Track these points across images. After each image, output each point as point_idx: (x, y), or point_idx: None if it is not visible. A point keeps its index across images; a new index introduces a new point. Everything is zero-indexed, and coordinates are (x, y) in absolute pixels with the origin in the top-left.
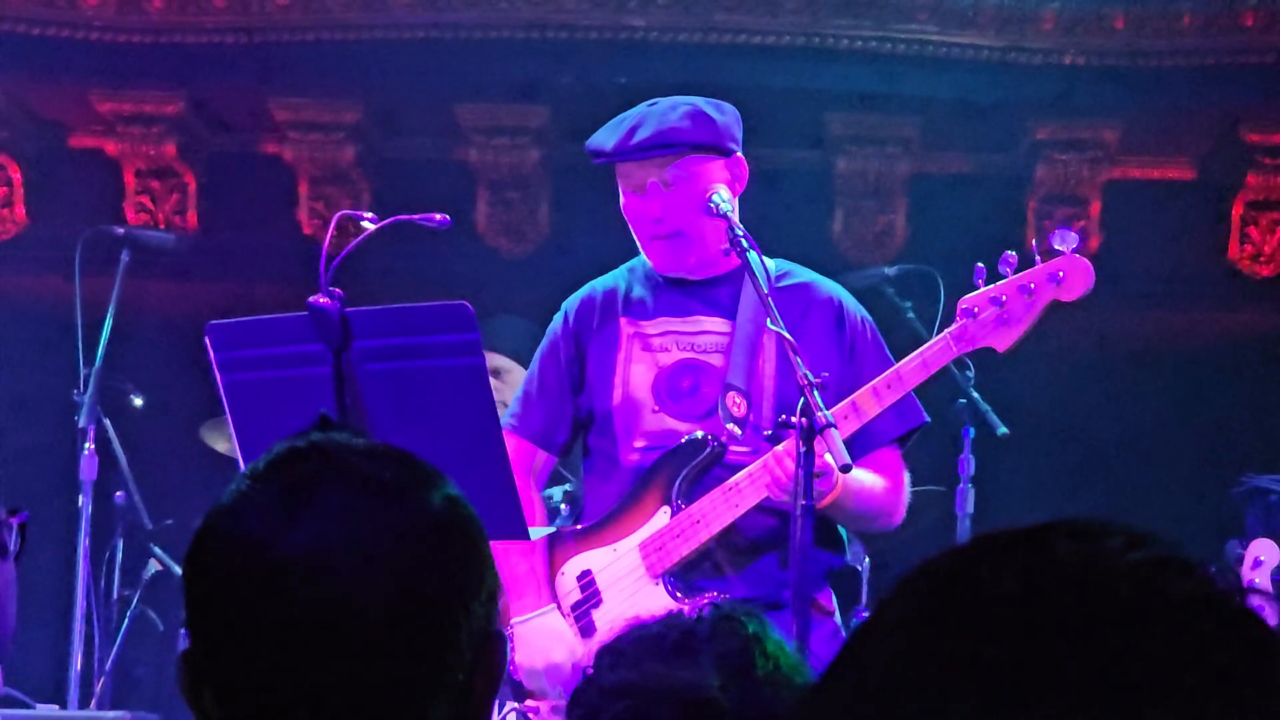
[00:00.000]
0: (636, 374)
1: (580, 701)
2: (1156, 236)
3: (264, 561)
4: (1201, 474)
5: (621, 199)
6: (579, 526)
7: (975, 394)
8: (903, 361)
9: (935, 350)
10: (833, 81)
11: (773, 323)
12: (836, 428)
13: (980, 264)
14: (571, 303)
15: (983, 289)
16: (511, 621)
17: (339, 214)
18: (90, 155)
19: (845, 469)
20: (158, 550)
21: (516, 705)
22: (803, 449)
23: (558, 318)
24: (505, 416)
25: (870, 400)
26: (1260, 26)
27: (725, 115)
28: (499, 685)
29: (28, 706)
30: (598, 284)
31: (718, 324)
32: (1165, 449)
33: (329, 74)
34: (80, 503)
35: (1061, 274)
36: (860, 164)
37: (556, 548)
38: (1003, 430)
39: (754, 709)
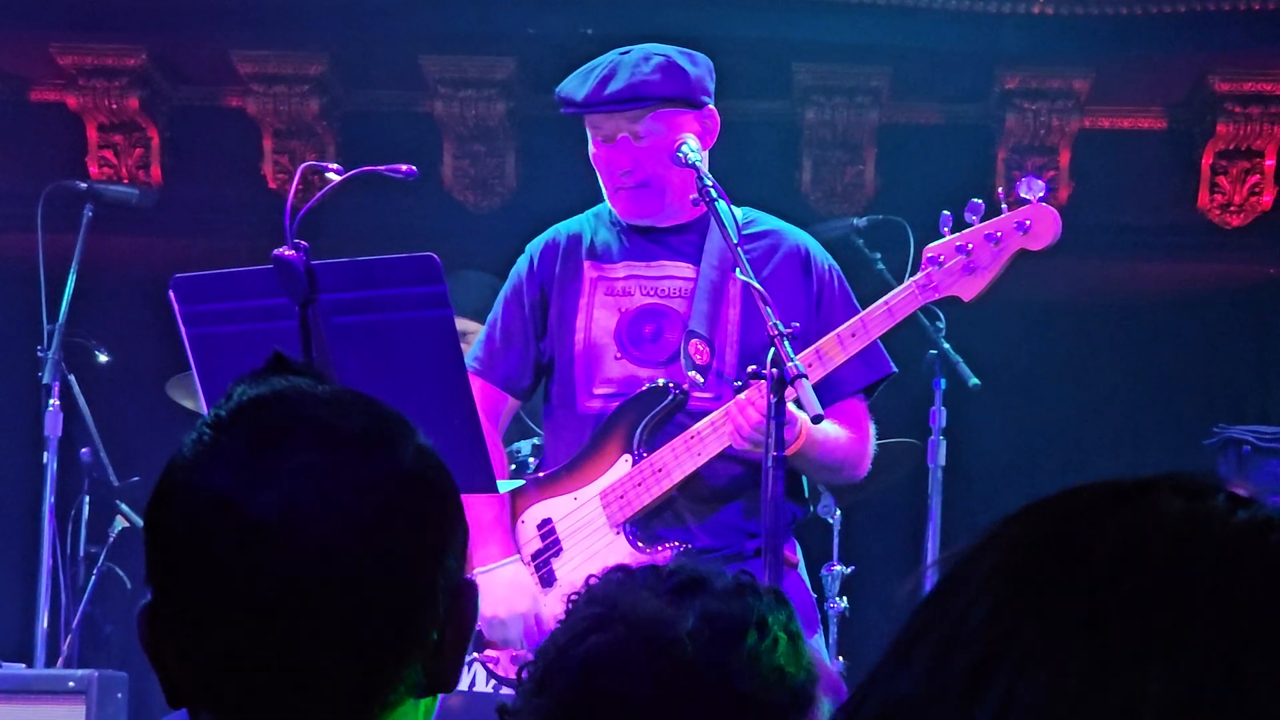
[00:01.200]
0: (599, 319)
1: (570, 602)
2: (1127, 186)
3: (233, 520)
4: (1173, 424)
5: (590, 147)
6: (540, 475)
7: (946, 345)
8: (868, 309)
9: (901, 298)
10: (801, 31)
11: (742, 272)
12: (807, 378)
13: (946, 212)
14: (535, 246)
15: (949, 237)
16: (474, 571)
17: (304, 165)
18: (52, 109)
19: (817, 419)
20: (124, 507)
21: (476, 655)
22: (773, 399)
23: (522, 260)
24: (468, 359)
25: (835, 348)
26: None
27: (698, 67)
28: (470, 635)
29: None
30: (561, 228)
31: (682, 269)
32: (1137, 399)
33: (292, 26)
34: (45, 460)
35: (1029, 222)
36: (829, 114)
37: (517, 495)
38: (974, 381)
39: (717, 672)
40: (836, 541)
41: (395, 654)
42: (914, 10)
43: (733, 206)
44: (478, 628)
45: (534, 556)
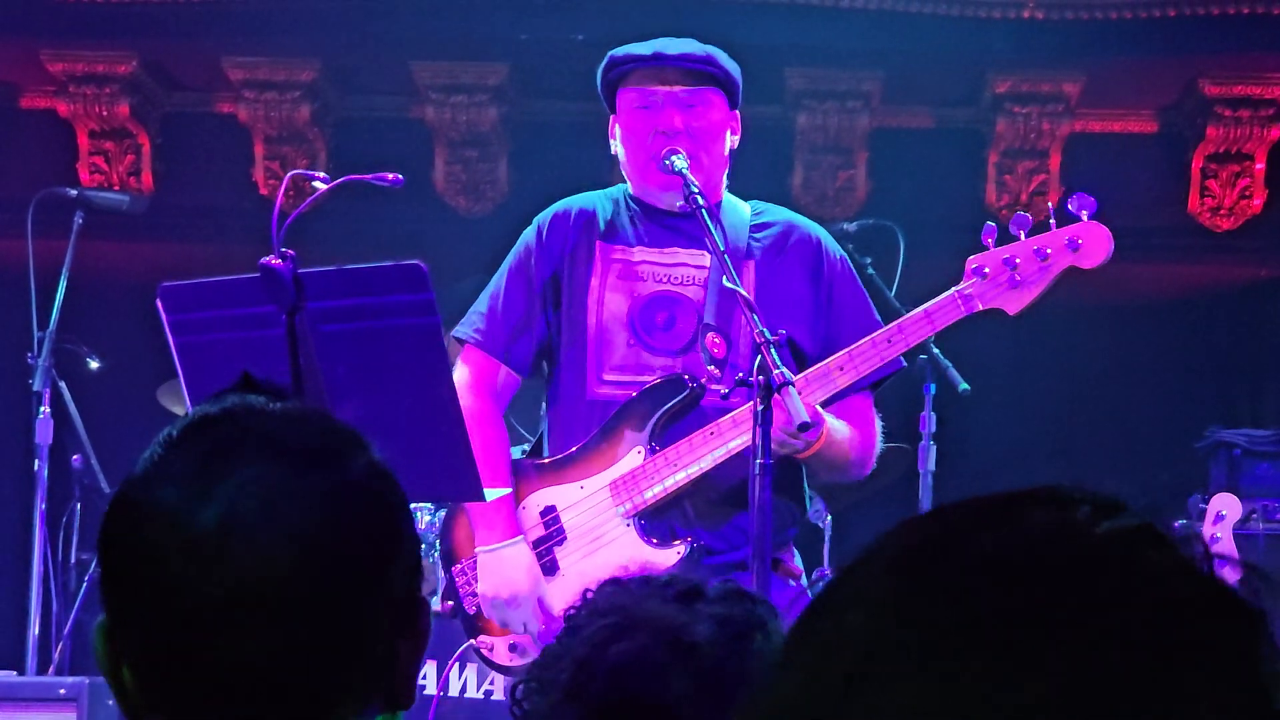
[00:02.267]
0: (612, 302)
1: (571, 620)
2: (1117, 190)
3: (178, 534)
4: (1164, 428)
5: (624, 122)
6: (543, 460)
7: (936, 350)
8: (907, 316)
9: (941, 306)
10: (793, 36)
11: (729, 280)
12: (794, 385)
13: (991, 223)
14: (544, 217)
15: (993, 249)
16: (476, 550)
17: (291, 174)
18: (42, 116)
19: (804, 427)
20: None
21: (470, 641)
22: (760, 407)
23: (529, 231)
24: (466, 330)
25: (869, 353)
26: None
27: (738, 73)
28: (424, 650)
29: None
30: (573, 201)
31: (697, 257)
32: (1127, 403)
33: (283, 31)
34: (36, 467)
35: (1080, 240)
36: (820, 119)
37: (518, 479)
38: (964, 386)
39: (738, 673)
40: (827, 547)
41: (340, 663)
42: (905, 15)
43: (741, 200)
44: (472, 609)
45: (536, 544)
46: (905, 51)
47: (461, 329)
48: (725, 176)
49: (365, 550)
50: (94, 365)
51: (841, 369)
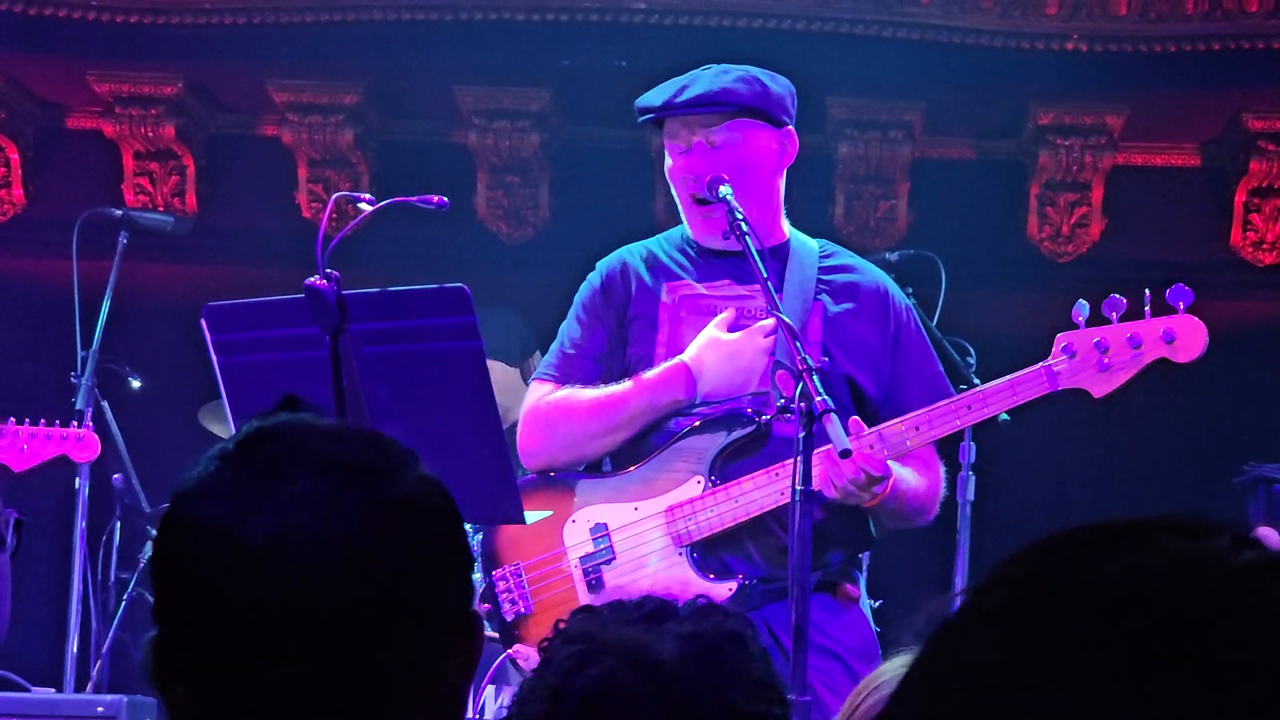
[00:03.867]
0: (683, 336)
1: (544, 650)
2: (1159, 223)
3: (228, 547)
4: (1204, 462)
5: (668, 162)
6: (598, 475)
7: (977, 381)
8: (990, 384)
9: (1027, 379)
10: (835, 66)
11: (773, 310)
12: (836, 412)
13: (1084, 300)
14: (605, 264)
15: (1083, 329)
16: (689, 365)
17: (336, 195)
18: (88, 136)
19: (844, 454)
20: (155, 533)
21: (507, 651)
22: (802, 433)
23: (592, 278)
24: (543, 368)
25: (947, 417)
26: (1264, 12)
27: (779, 86)
28: (474, 669)
29: (24, 690)
30: (632, 249)
31: (759, 293)
32: (1168, 436)
33: (328, 55)
34: (77, 485)
35: (1176, 333)
36: (862, 149)
37: (571, 492)
38: (1004, 417)
39: (709, 689)
40: (864, 575)
41: (390, 678)
42: (947, 45)
43: (807, 237)
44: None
45: (583, 559)
46: (947, 82)
47: (540, 370)
48: (783, 208)
49: (415, 565)
50: (136, 385)
51: (918, 429)
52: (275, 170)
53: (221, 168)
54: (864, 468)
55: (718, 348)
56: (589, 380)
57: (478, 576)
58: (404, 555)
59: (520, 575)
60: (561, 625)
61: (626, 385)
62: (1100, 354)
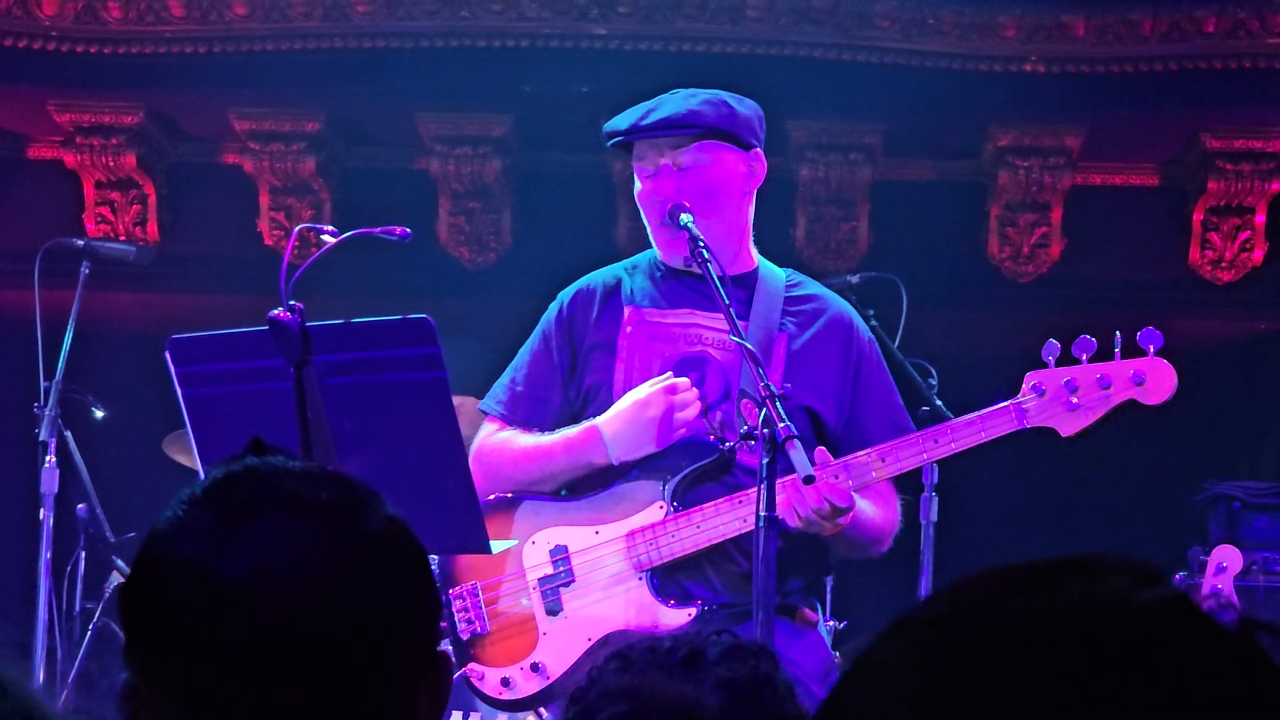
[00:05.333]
0: (640, 363)
1: (579, 700)
2: (1119, 242)
3: (202, 586)
4: (1165, 479)
5: (636, 185)
6: (559, 498)
7: (939, 402)
8: (959, 419)
9: (994, 416)
10: (795, 89)
11: (735, 335)
12: (799, 439)
13: (1054, 341)
14: (567, 294)
15: (1053, 368)
16: (603, 432)
17: (300, 227)
18: (49, 166)
19: (808, 480)
20: (120, 563)
21: (461, 670)
22: (765, 459)
23: (552, 308)
24: (490, 403)
25: (913, 451)
26: (1221, 33)
27: (746, 109)
28: (445, 704)
29: None
30: (596, 276)
31: (720, 319)
32: (1129, 455)
33: (289, 83)
34: (41, 516)
35: (1145, 376)
36: (823, 171)
37: (531, 515)
38: None
39: None
40: (829, 597)
41: (362, 714)
42: (906, 68)
43: (775, 266)
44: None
45: (542, 581)
46: (907, 104)
47: (486, 402)
48: (750, 233)
49: (387, 600)
50: (99, 415)
51: (883, 461)
52: (237, 198)
53: (183, 196)
54: (829, 498)
55: (628, 411)
56: (531, 418)
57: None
58: (376, 590)
59: (477, 595)
60: (595, 672)
61: (554, 439)
62: (1069, 394)
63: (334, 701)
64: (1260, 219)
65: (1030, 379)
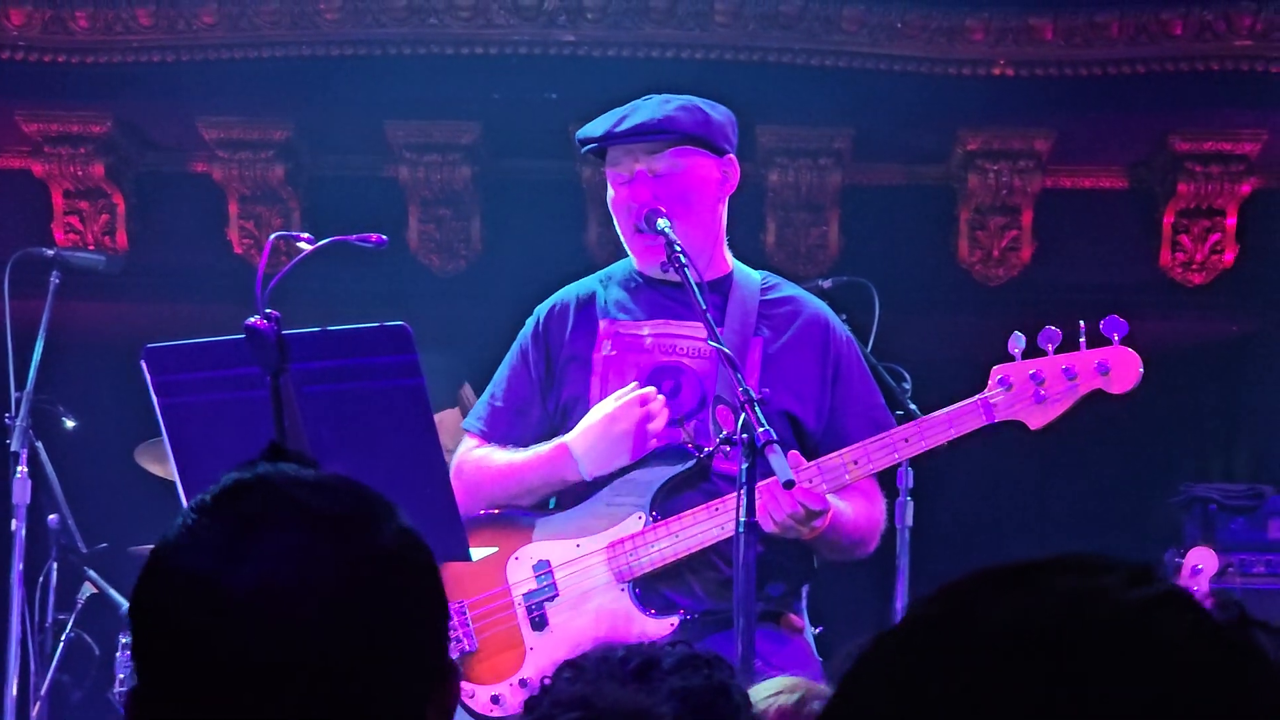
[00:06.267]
0: (617, 374)
1: (533, 709)
2: (1089, 245)
3: (210, 598)
4: (1139, 482)
5: (610, 193)
6: (541, 513)
7: (913, 406)
8: (927, 417)
9: (963, 412)
10: (764, 94)
11: (713, 340)
12: (779, 443)
13: (1019, 333)
14: (542, 309)
15: (1021, 361)
16: (573, 450)
17: (275, 235)
18: (17, 176)
19: (788, 485)
20: (92, 574)
21: None
22: (744, 464)
23: (529, 322)
24: (471, 419)
25: (885, 450)
26: (1189, 35)
27: (720, 114)
28: (452, 716)
29: None
30: (571, 289)
31: (700, 329)
32: (1103, 458)
33: (258, 92)
34: (13, 526)
35: (1110, 365)
36: (792, 176)
37: (513, 530)
38: None
39: None
40: (805, 603)
41: None
42: (875, 72)
43: (750, 270)
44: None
45: (527, 596)
46: (876, 109)
47: (468, 420)
48: (725, 238)
49: (396, 615)
50: (70, 425)
51: (856, 463)
52: (206, 207)
53: (152, 205)
54: (803, 502)
55: (596, 426)
56: (510, 433)
57: None
58: (385, 606)
59: (464, 613)
60: (547, 683)
61: (527, 456)
62: (1036, 386)
63: (341, 716)
64: (1231, 221)
65: (996, 373)
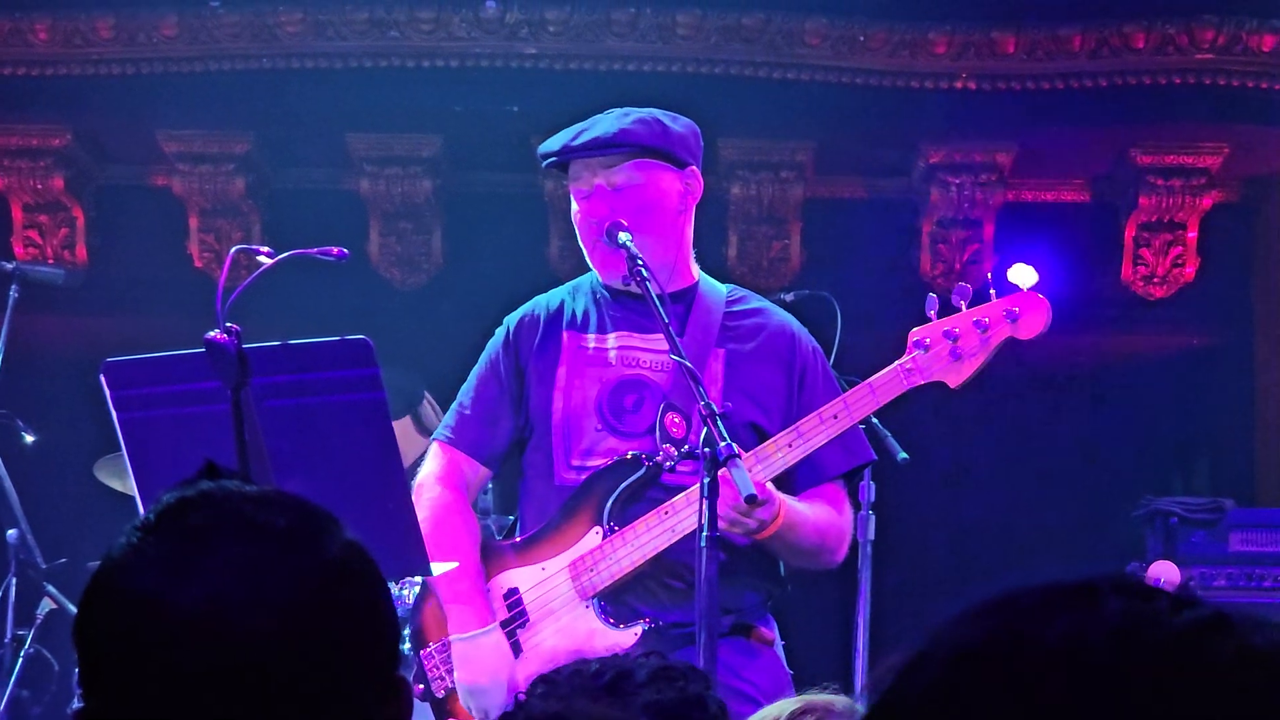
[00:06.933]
0: (579, 389)
1: None
2: (1051, 259)
3: (158, 617)
4: (1101, 496)
5: (573, 207)
6: (510, 541)
7: (875, 419)
8: (851, 390)
9: (885, 380)
10: (726, 107)
11: (674, 354)
12: (740, 457)
13: (933, 295)
14: (513, 319)
15: (935, 321)
16: (451, 637)
17: (235, 249)
18: None
19: (750, 500)
20: (51, 589)
21: None
22: (706, 479)
23: (499, 332)
24: (440, 429)
25: (816, 427)
26: (1151, 48)
27: (680, 126)
28: None
29: None
30: (540, 300)
31: (663, 342)
32: (1063, 470)
33: (217, 105)
34: None
35: (1018, 310)
36: (754, 189)
37: (488, 561)
38: (903, 456)
39: None
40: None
41: None
42: (837, 86)
43: (716, 282)
44: (440, 693)
45: (500, 626)
46: (838, 122)
47: (438, 430)
48: (691, 250)
49: (347, 628)
50: (29, 439)
51: (790, 445)
52: (166, 220)
53: (112, 219)
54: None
55: (469, 654)
56: (479, 440)
57: (406, 647)
58: (335, 618)
59: (447, 650)
60: (521, 699)
61: (452, 569)
62: (951, 343)
63: None
64: (1192, 235)
65: (913, 335)
